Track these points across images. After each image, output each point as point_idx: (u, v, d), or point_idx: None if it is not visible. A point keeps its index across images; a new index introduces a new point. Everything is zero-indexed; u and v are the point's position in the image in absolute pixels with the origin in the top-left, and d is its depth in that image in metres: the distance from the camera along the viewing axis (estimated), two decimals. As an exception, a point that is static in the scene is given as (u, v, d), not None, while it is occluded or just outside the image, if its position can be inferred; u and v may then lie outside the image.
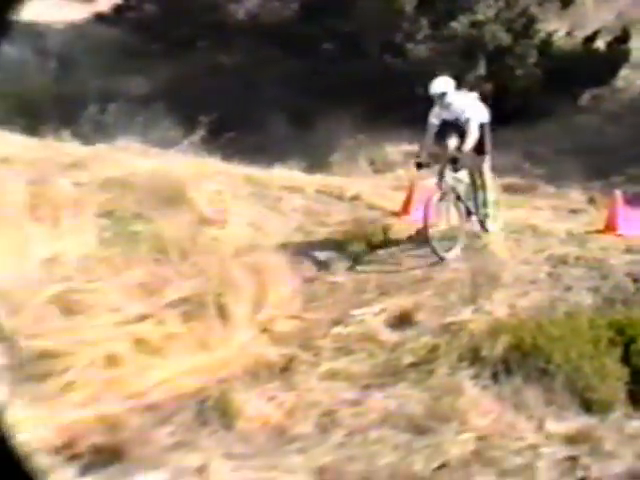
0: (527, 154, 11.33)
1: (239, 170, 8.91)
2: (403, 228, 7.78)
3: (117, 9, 12.59)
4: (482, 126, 7.72)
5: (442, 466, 4.37)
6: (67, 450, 4.27)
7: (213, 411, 4.80)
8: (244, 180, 8.68)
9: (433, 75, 11.72)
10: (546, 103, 11.99)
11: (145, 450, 4.35)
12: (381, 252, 7.36)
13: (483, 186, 7.79)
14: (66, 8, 12.50)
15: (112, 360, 5.35)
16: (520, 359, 5.35)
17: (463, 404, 4.96)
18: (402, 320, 6.06)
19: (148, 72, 10.79)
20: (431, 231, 7.11)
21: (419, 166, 7.73)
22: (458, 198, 7.57)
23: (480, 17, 12.88)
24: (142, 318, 5.86)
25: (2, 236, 6.46)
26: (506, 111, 11.50)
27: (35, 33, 11.20)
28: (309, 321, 6.11)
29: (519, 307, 6.22)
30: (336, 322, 6.07)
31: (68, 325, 5.59)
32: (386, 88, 11.92)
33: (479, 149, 7.68)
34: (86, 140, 8.29)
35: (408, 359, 5.50)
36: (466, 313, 6.08)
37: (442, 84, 7.67)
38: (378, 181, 10.25)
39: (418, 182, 8.34)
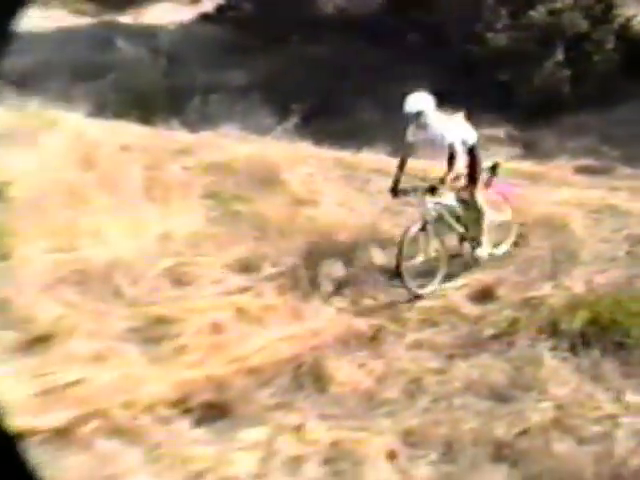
0: (604, 137, 10.78)
1: (329, 154, 8.86)
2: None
3: (220, 9, 12.71)
4: (472, 149, 6.37)
5: (523, 432, 4.27)
6: (182, 405, 4.41)
7: (308, 376, 4.82)
8: (334, 163, 8.63)
9: (513, 62, 11.45)
10: (624, 87, 11.38)
11: (248, 408, 4.44)
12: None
13: (477, 212, 6.40)
14: (175, 11, 12.74)
15: (217, 327, 5.47)
16: (598, 333, 5.13)
17: (543, 374, 4.81)
18: (484, 295, 5.90)
19: (246, 66, 10.83)
20: (405, 266, 5.89)
21: (394, 193, 6.41)
22: (443, 225, 6.33)
23: (558, 5, 12.32)
24: (243, 290, 5.97)
25: (122, 215, 6.70)
26: (583, 96, 11.02)
27: (149, 34, 11.47)
28: (395, 294, 6.05)
29: (597, 284, 5.96)
30: (421, 296, 6.00)
31: (179, 295, 5.76)
32: (466, 75, 11.60)
33: (470, 175, 6.36)
34: (192, 128, 8.43)
35: (490, 331, 5.36)
36: (546, 289, 5.86)
37: (418, 101, 6.18)
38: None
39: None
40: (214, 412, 4.39)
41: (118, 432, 4.11)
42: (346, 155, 8.99)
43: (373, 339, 5.32)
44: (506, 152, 10.11)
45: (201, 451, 4.00)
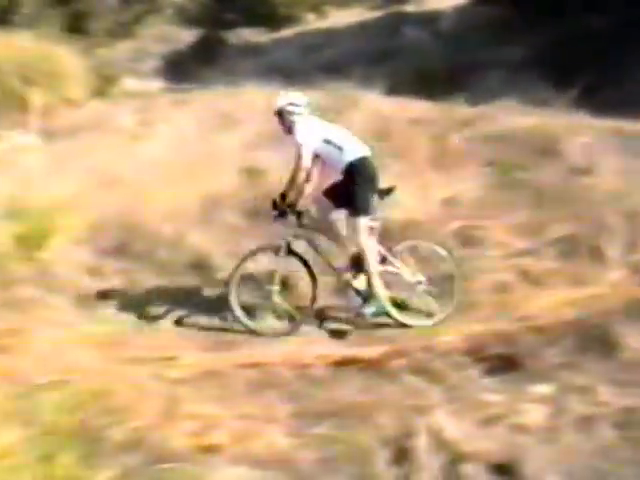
0: None
1: (606, 124, 7.94)
2: None
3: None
4: (353, 165, 4.77)
5: None
6: (472, 355, 4.31)
7: (593, 339, 4.37)
8: (611, 133, 7.69)
9: None
10: None
11: (536, 364, 4.17)
12: None
13: (361, 257, 4.76)
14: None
15: (502, 286, 5.27)
16: None
17: None
18: None
19: (522, 41, 10.10)
20: (233, 298, 4.74)
21: (279, 214, 4.87)
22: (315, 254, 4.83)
23: None
24: (525, 253, 5.66)
25: (412, 180, 6.74)
26: None
27: (430, 19, 11.32)
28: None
29: None
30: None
31: (466, 254, 5.62)
32: None
33: (351, 204, 4.75)
34: (473, 102, 8.14)
35: None
36: None
37: (282, 99, 4.98)
38: None
39: None
40: (503, 364, 4.20)
41: (419, 371, 4.15)
42: (624, 125, 7.99)
43: (661, 310, 4.66)
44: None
45: (492, 398, 3.86)
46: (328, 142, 4.86)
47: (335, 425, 3.62)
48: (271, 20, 12.95)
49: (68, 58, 10.07)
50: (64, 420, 3.03)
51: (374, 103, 8.02)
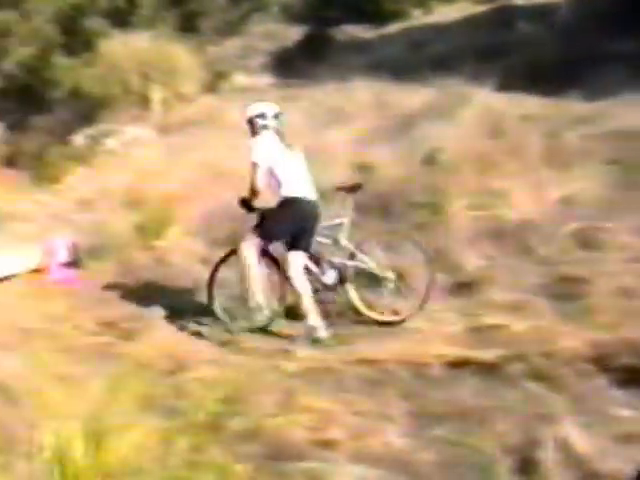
0: None
1: None
2: None
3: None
4: (284, 201, 4.78)
5: None
6: (599, 364, 3.98)
7: None
8: None
9: None
10: None
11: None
12: None
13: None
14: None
15: (626, 292, 4.86)
16: None
17: None
18: None
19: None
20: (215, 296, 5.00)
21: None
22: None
23: None
24: (651, 258, 5.21)
25: (526, 179, 6.42)
26: None
27: (541, 11, 10.78)
28: None
29: None
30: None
31: (586, 257, 5.27)
32: None
33: (258, 224, 4.88)
34: (590, 98, 7.63)
35: None
36: None
37: (251, 109, 5.02)
38: None
39: None
40: (635, 377, 3.84)
41: (540, 378, 3.89)
42: None
43: None
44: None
45: (626, 413, 3.54)
46: (272, 172, 4.83)
47: (453, 428, 3.45)
48: (377, 16, 12.82)
49: (182, 56, 10.40)
50: (195, 409, 3.06)
51: (485, 99, 7.71)
